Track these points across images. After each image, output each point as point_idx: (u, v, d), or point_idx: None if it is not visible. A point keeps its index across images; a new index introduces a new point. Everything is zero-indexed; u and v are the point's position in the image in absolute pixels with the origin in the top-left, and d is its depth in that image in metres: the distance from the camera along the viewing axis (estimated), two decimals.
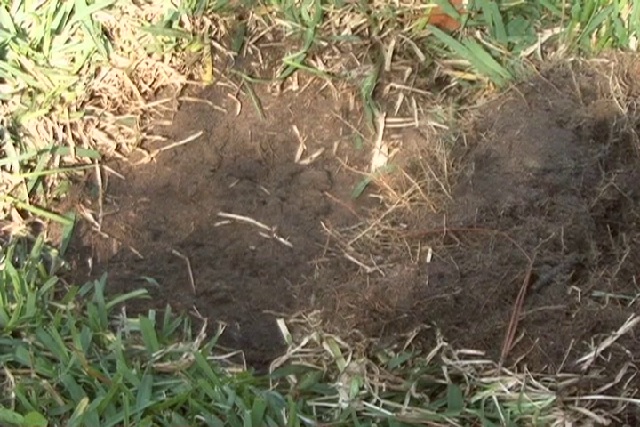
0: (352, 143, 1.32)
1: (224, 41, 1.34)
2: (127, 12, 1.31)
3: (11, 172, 1.23)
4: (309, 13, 1.32)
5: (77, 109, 1.29)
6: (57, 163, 1.26)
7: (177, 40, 1.31)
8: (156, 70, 1.32)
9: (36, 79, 1.27)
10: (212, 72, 1.34)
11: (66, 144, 1.27)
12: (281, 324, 1.05)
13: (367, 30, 1.34)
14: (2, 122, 1.24)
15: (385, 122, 1.31)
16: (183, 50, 1.32)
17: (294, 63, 1.33)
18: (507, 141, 1.14)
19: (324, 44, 1.32)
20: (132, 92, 1.28)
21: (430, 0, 1.32)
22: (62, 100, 1.27)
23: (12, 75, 1.27)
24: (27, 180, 1.24)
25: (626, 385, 0.90)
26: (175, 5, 1.31)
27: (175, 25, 1.31)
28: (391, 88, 1.33)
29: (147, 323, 0.98)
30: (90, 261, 1.22)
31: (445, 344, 0.96)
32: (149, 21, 1.31)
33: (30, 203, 1.23)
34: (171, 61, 1.32)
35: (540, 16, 1.31)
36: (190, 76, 1.34)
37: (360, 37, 1.33)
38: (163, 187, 1.29)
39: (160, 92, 1.33)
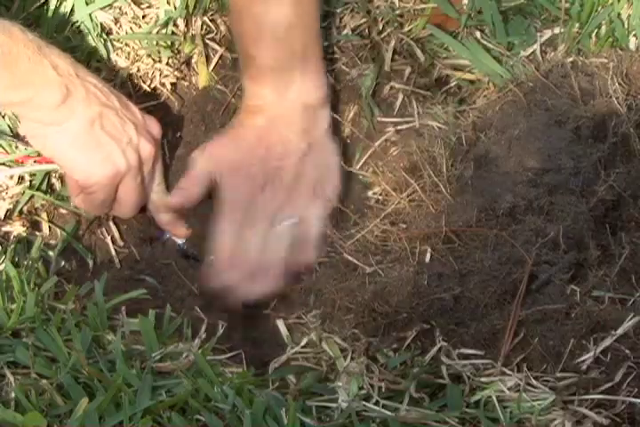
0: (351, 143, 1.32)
1: (224, 41, 1.34)
2: (126, 13, 1.31)
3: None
4: None
5: None
6: None
7: (172, 42, 1.31)
8: (154, 71, 1.32)
9: None
10: (209, 73, 1.34)
11: None
12: (280, 324, 1.05)
13: (367, 30, 1.34)
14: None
15: (384, 122, 1.31)
16: (179, 51, 1.32)
17: None
18: (506, 141, 1.14)
19: (325, 43, 1.32)
20: (130, 92, 1.28)
21: (430, 0, 1.32)
22: None
23: None
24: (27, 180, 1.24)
25: (625, 385, 0.90)
26: (174, 7, 1.31)
27: (170, 26, 1.31)
28: (391, 88, 1.33)
29: (147, 323, 0.98)
30: (90, 262, 1.21)
31: (445, 344, 0.96)
32: (147, 23, 1.31)
33: (30, 203, 1.23)
34: (168, 62, 1.32)
35: (539, 16, 1.31)
36: (188, 77, 1.34)
37: (360, 37, 1.33)
38: None
39: (158, 92, 1.33)
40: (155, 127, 1.17)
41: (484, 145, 1.16)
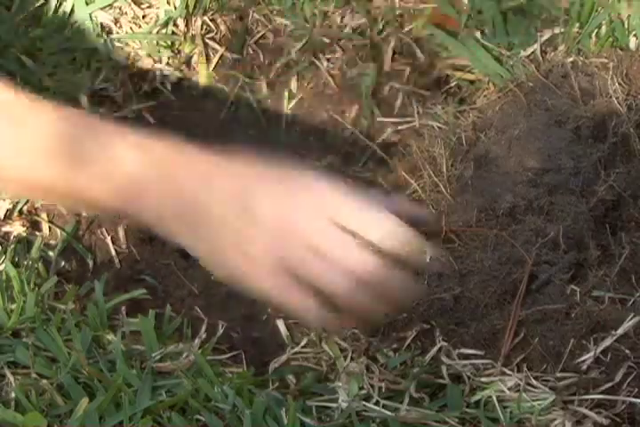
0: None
1: (224, 41, 1.34)
2: (126, 13, 1.31)
3: None
4: (310, 12, 1.33)
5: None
6: None
7: (172, 42, 1.31)
8: (155, 71, 1.32)
9: None
10: (210, 72, 1.34)
11: None
12: (280, 324, 1.04)
13: (367, 30, 1.34)
14: None
15: (384, 122, 1.31)
16: (179, 51, 1.32)
17: (294, 63, 1.33)
18: (506, 141, 1.14)
19: (326, 41, 1.32)
20: (130, 93, 1.28)
21: (430, 0, 1.32)
22: None
23: None
24: None
25: (625, 385, 0.90)
26: (174, 7, 1.31)
27: (170, 26, 1.31)
28: (391, 88, 1.33)
29: (147, 323, 0.98)
30: (90, 262, 1.22)
31: (445, 344, 0.96)
32: (147, 23, 1.31)
33: (30, 203, 1.23)
34: (168, 62, 1.32)
35: (539, 16, 1.31)
36: (188, 77, 1.34)
37: (360, 37, 1.33)
38: None
39: (158, 92, 1.33)
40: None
41: (484, 145, 1.16)
